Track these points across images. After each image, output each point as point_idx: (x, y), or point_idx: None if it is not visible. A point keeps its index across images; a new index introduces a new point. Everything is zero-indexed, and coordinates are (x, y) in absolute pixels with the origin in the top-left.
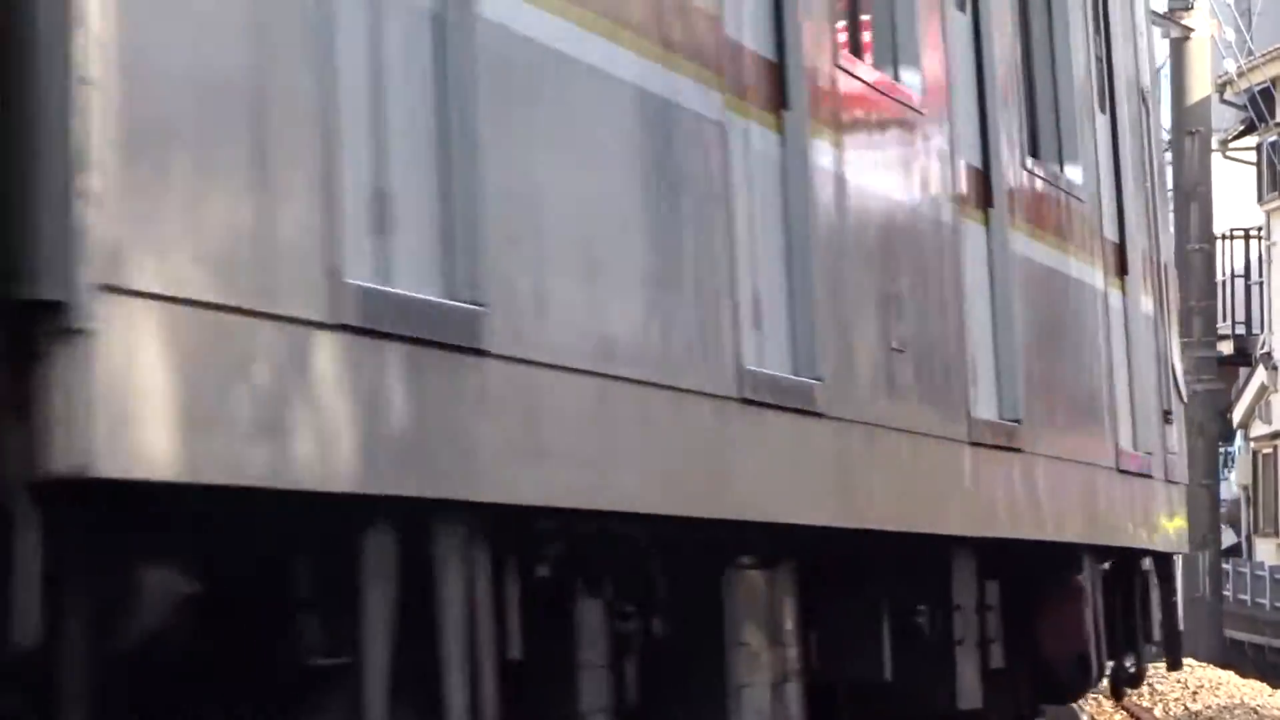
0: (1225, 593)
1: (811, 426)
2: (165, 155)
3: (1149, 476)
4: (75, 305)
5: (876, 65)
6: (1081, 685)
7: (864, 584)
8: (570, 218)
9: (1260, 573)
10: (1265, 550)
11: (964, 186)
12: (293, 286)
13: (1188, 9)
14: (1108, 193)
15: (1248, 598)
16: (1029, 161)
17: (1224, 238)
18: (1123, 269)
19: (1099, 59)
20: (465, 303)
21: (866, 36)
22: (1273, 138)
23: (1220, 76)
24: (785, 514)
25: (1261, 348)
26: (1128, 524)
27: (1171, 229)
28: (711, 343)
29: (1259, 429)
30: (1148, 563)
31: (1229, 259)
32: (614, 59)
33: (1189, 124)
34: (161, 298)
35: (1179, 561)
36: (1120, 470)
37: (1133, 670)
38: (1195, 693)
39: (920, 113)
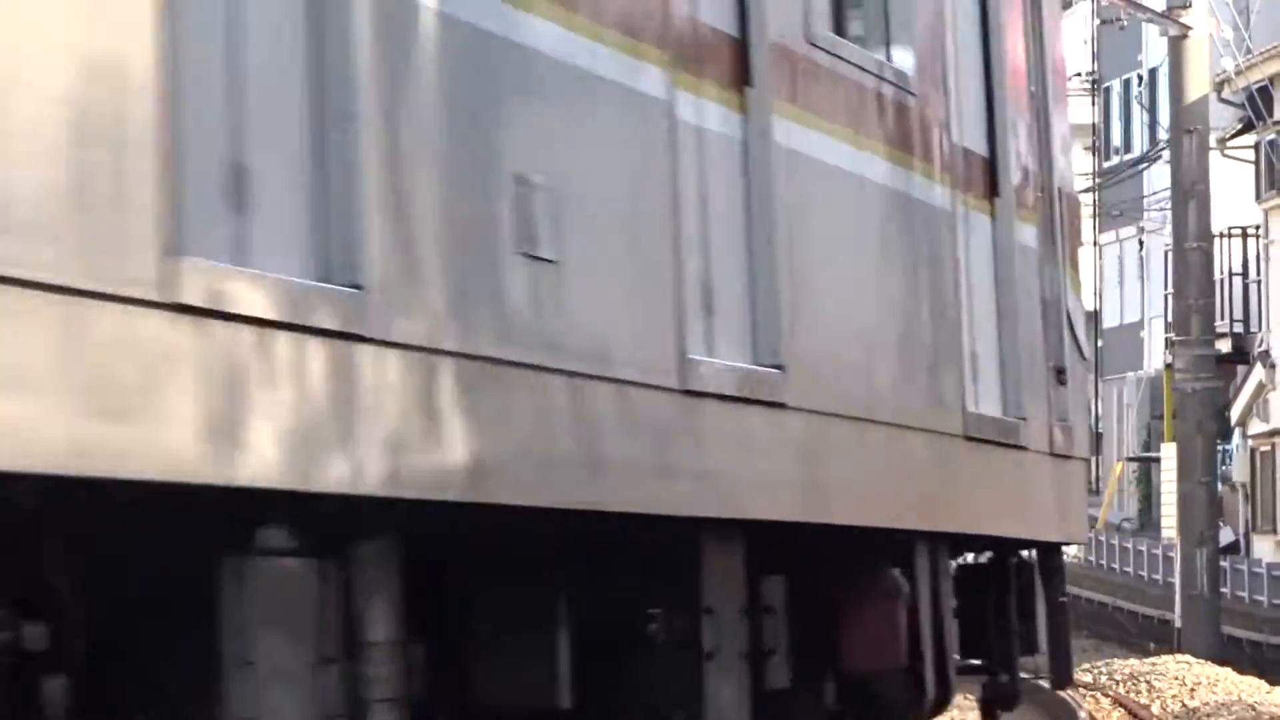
0: (1223, 590)
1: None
2: None
3: (1022, 449)
4: None
5: None
6: (911, 709)
7: (528, 575)
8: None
9: (1258, 569)
10: (1263, 547)
11: (703, 53)
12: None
13: (1186, 7)
14: (968, 94)
15: (1245, 594)
16: (818, 36)
17: (1222, 236)
18: (992, 190)
19: None
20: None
21: None
22: (1271, 136)
23: (1218, 75)
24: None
25: (1259, 346)
26: (987, 507)
27: (1072, 152)
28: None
29: (1257, 427)
30: (1033, 556)
31: (1227, 257)
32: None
33: (1187, 122)
34: None
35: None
36: (974, 439)
37: (1008, 688)
38: (1193, 689)
39: None
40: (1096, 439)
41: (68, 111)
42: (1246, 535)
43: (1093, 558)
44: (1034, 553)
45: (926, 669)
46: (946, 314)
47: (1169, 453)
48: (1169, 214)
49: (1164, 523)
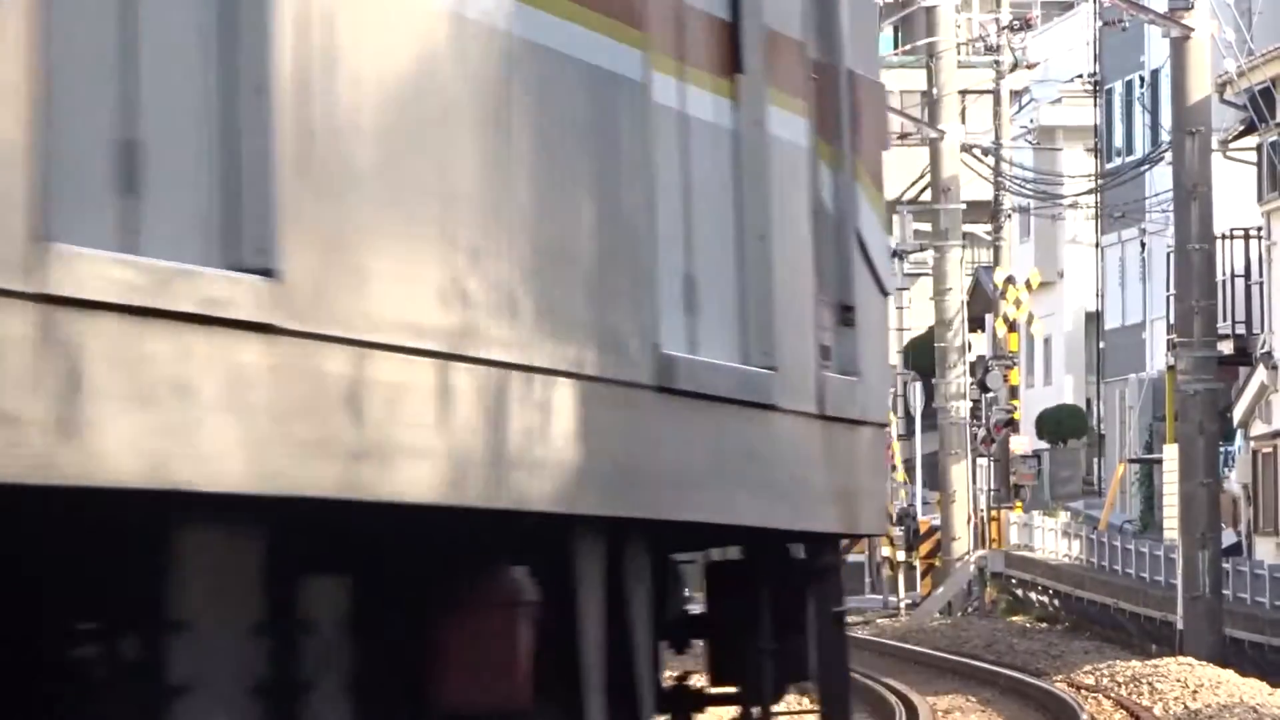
0: (1225, 591)
1: None
2: None
3: (769, 408)
4: None
5: None
6: None
7: None
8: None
9: (1260, 571)
10: (1265, 549)
11: None
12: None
13: (1188, 9)
14: None
15: (1248, 596)
16: None
17: (1224, 237)
18: (734, 64)
19: None
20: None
21: None
22: (1273, 137)
23: (1220, 76)
24: None
25: (1261, 347)
26: (707, 484)
27: (877, 27)
28: None
29: (1259, 428)
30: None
31: (1229, 259)
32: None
33: (1189, 124)
34: None
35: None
36: (676, 392)
37: None
38: (1195, 691)
39: None
40: (1099, 440)
41: None
42: (1248, 537)
43: (1095, 559)
44: (803, 548)
45: (591, 710)
46: (625, 220)
47: (1171, 454)
48: (1171, 215)
49: (1166, 524)
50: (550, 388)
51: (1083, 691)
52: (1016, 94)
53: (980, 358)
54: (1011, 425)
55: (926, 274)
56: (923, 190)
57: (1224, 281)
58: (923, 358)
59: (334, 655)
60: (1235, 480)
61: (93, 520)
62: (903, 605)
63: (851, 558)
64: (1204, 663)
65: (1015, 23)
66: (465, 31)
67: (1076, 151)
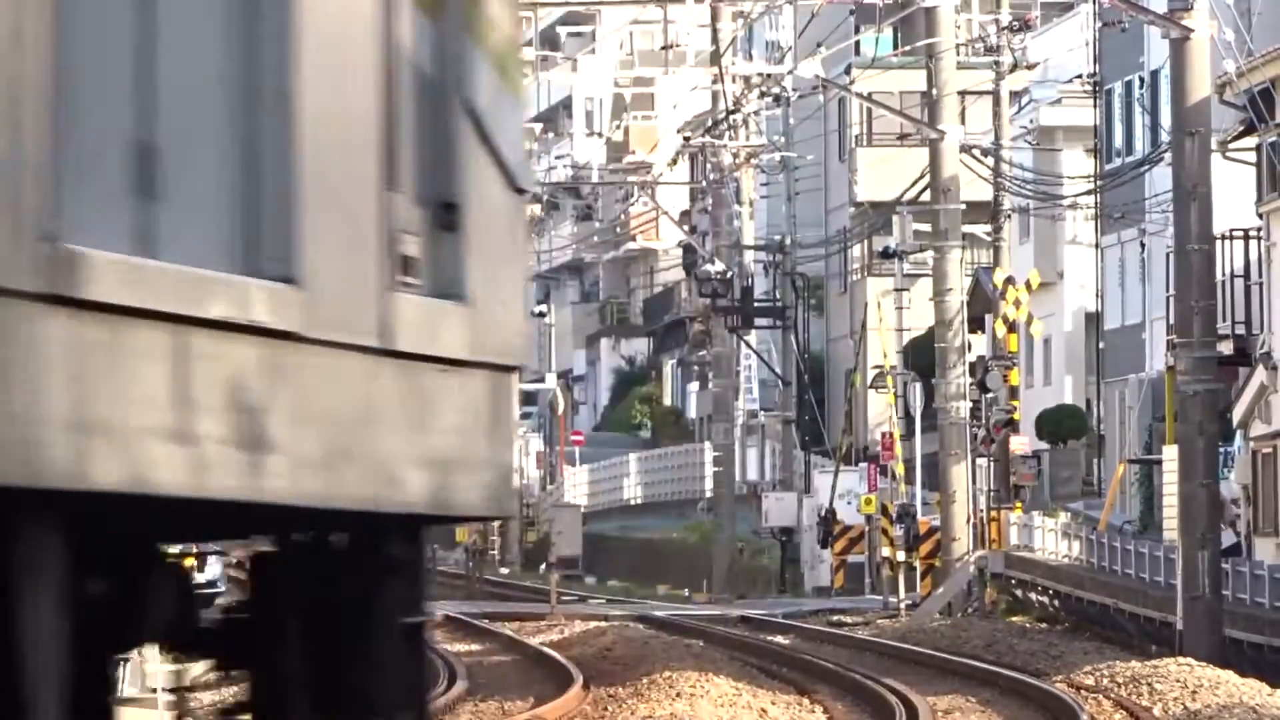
0: (1225, 592)
1: None
2: None
3: (286, 336)
4: None
5: None
6: None
7: None
8: None
9: (1260, 572)
10: (1265, 549)
11: None
12: None
13: (1187, 9)
14: None
15: (1247, 597)
16: None
17: (1223, 238)
18: None
19: None
20: None
21: None
22: (1272, 138)
23: (1220, 77)
24: None
25: (1261, 348)
26: (137, 440)
27: None
28: None
29: (1259, 429)
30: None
31: (1228, 259)
32: None
33: (1188, 125)
34: None
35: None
36: (85, 305)
37: None
38: (1195, 692)
39: None
40: (1098, 441)
41: None
42: (1248, 538)
43: (1094, 560)
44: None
45: None
46: None
47: (1170, 455)
48: (1170, 216)
49: (1166, 525)
50: None
51: (1083, 692)
52: (1016, 94)
53: (980, 358)
54: (1011, 426)
55: (926, 274)
56: (923, 190)
57: (1224, 282)
58: (923, 358)
59: None
60: (1234, 480)
61: None
62: (903, 606)
63: (852, 558)
64: (1204, 663)
65: (1015, 23)
66: None
67: (1076, 152)
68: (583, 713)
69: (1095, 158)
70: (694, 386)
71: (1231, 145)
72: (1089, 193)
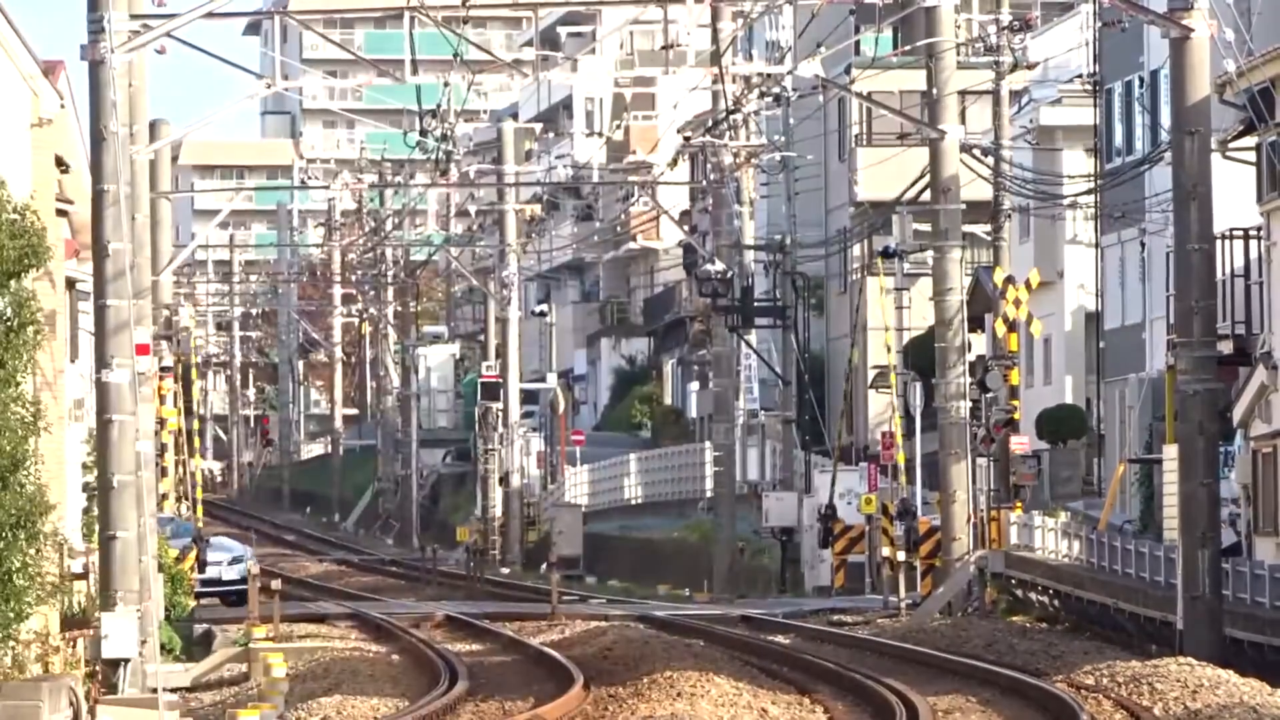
0: (1225, 592)
1: None
2: None
3: None
4: None
5: None
6: None
7: None
8: None
9: (1260, 572)
10: (1265, 549)
11: None
12: None
13: (1187, 9)
14: None
15: (1247, 596)
16: None
17: (1223, 238)
18: None
19: None
20: None
21: None
22: (1272, 138)
23: (1220, 76)
24: None
25: (1261, 347)
26: None
27: None
28: None
29: (1259, 428)
30: None
31: (1228, 259)
32: None
33: (1188, 124)
34: None
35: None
36: None
37: None
38: (1195, 692)
39: None
40: (1099, 440)
41: None
42: (1248, 537)
43: (1094, 559)
44: None
45: None
46: None
47: (1171, 454)
48: (1170, 216)
49: (1166, 524)
50: None
51: (1083, 692)
52: (1016, 94)
53: (980, 358)
54: (1011, 425)
55: (926, 274)
56: (923, 190)
57: (1224, 281)
58: (923, 358)
59: None
60: (1235, 480)
61: None
62: (903, 605)
63: (852, 558)
64: (1204, 663)
65: (1015, 23)
66: None
67: (1076, 152)
68: (583, 713)
69: (1095, 157)
70: (694, 386)
71: (1231, 145)
72: (1089, 192)
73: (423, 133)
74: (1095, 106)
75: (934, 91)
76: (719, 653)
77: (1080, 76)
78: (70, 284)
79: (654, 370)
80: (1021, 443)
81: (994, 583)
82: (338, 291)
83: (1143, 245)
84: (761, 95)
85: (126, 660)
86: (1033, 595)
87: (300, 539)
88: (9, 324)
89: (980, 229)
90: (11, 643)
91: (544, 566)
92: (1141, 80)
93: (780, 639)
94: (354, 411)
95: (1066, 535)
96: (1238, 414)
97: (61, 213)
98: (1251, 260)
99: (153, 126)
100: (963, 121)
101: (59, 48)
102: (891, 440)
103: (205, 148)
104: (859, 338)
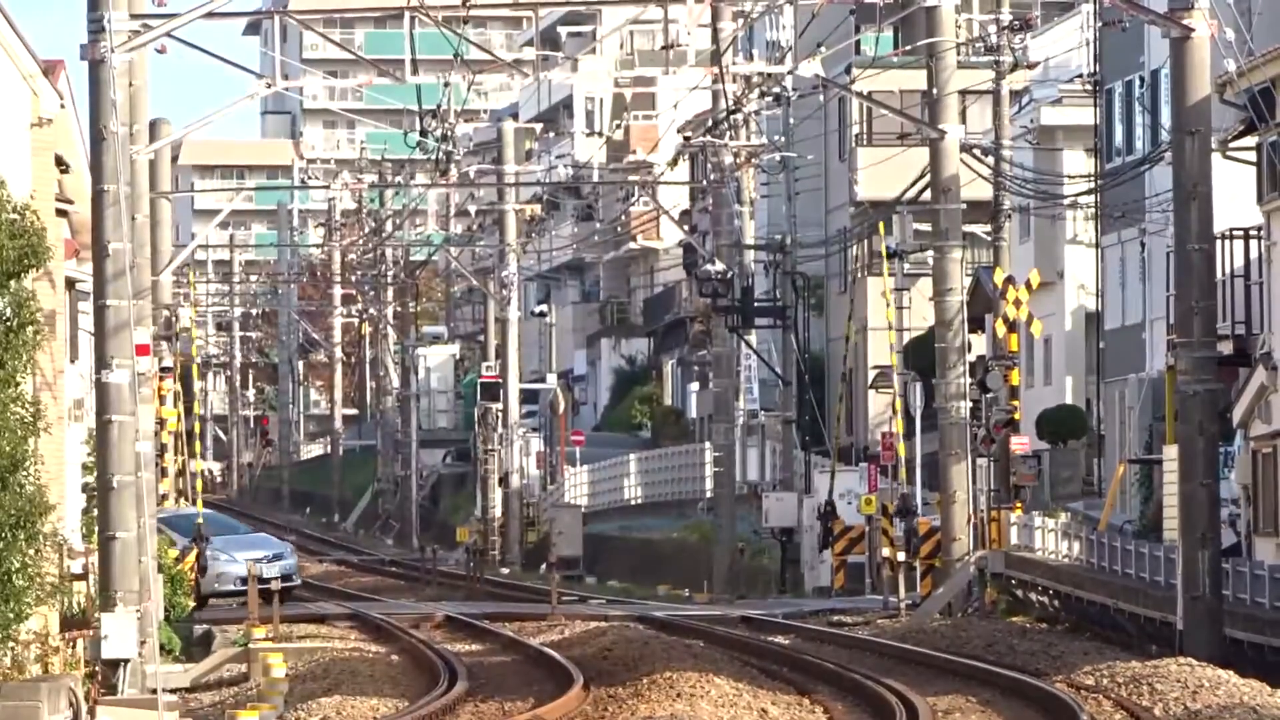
0: (1225, 592)
1: None
2: None
3: None
4: None
5: None
6: None
7: None
8: None
9: (1260, 572)
10: (1265, 549)
11: None
12: None
13: (1188, 9)
14: None
15: (1248, 597)
16: None
17: (1223, 238)
18: None
19: None
20: None
21: None
22: (1272, 138)
23: (1220, 76)
24: None
25: (1261, 348)
26: None
27: None
28: None
29: (1259, 429)
30: None
31: (1229, 259)
32: None
33: (1189, 124)
34: None
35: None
36: None
37: None
38: (1195, 692)
39: None
40: (1099, 440)
41: None
42: (1248, 537)
43: (1094, 560)
44: None
45: None
46: None
47: (1171, 455)
48: (1170, 216)
49: (1166, 525)
50: None
51: (1083, 692)
52: (1016, 94)
53: (980, 358)
54: (1011, 425)
55: (926, 274)
56: (923, 190)
57: (1224, 281)
58: (923, 358)
59: None
60: (1235, 480)
61: None
62: (903, 606)
63: (852, 558)
64: (1204, 663)
65: (1015, 23)
66: None
67: (1076, 152)
68: (583, 713)
69: (1095, 157)
70: (694, 386)
71: (1231, 145)
72: (1089, 192)
73: (423, 133)
74: (1095, 106)
75: (934, 91)
76: (719, 653)
77: (1080, 76)
78: (70, 284)
79: (654, 370)
80: (1021, 443)
81: (994, 583)
82: (338, 292)
83: (1143, 245)
84: (762, 95)
85: (126, 661)
86: (1033, 596)
87: (300, 539)
88: (9, 324)
89: (980, 229)
90: (11, 643)
91: (544, 567)
92: (1142, 80)
93: (780, 639)
94: (354, 412)
95: (1066, 536)
96: (1238, 414)
97: (61, 213)
98: (1251, 260)
99: (153, 126)
100: (963, 121)
101: (59, 48)
102: (891, 440)
103: (205, 148)
104: (858, 339)
